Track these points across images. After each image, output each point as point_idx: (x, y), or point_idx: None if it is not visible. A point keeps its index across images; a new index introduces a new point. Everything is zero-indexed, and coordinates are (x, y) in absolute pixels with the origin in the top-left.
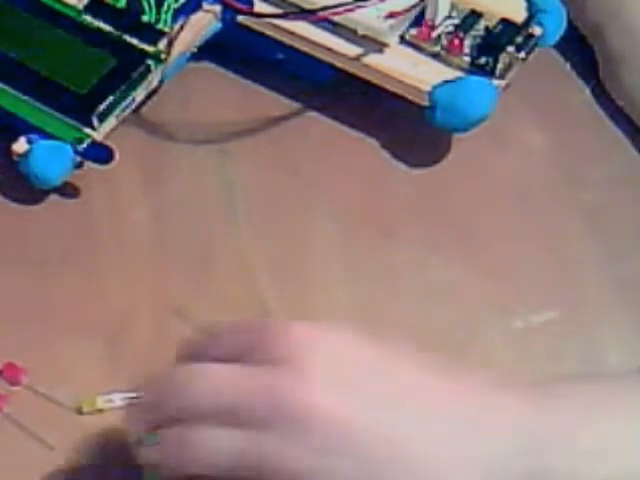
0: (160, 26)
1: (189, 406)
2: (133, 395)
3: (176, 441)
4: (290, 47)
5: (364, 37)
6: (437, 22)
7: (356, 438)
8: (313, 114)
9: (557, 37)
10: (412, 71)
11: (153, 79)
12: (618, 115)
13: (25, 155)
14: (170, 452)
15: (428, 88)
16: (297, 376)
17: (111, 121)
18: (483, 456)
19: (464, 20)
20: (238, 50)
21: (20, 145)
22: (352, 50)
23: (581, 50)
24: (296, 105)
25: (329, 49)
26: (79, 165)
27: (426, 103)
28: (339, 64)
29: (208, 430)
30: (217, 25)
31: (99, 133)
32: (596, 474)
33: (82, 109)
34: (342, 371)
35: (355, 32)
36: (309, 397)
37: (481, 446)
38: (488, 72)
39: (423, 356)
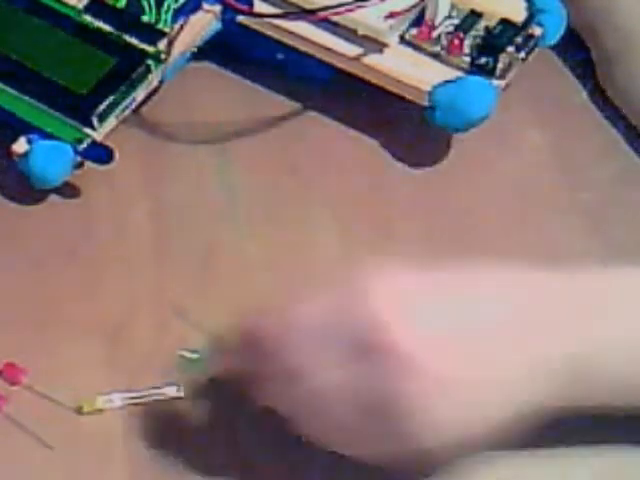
0: (160, 26)
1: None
2: (133, 395)
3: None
4: (290, 47)
5: (364, 37)
6: (437, 22)
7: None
8: (313, 114)
9: (557, 37)
10: (412, 71)
11: (153, 79)
12: (618, 115)
13: (25, 155)
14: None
15: (428, 88)
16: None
17: (111, 121)
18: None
19: (464, 20)
20: (238, 50)
21: (20, 145)
22: (352, 50)
23: (581, 50)
24: (296, 105)
25: (329, 49)
26: (79, 165)
27: (426, 103)
28: (339, 64)
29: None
30: (217, 25)
31: (99, 133)
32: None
33: (82, 109)
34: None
35: (355, 32)
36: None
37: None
38: (488, 72)
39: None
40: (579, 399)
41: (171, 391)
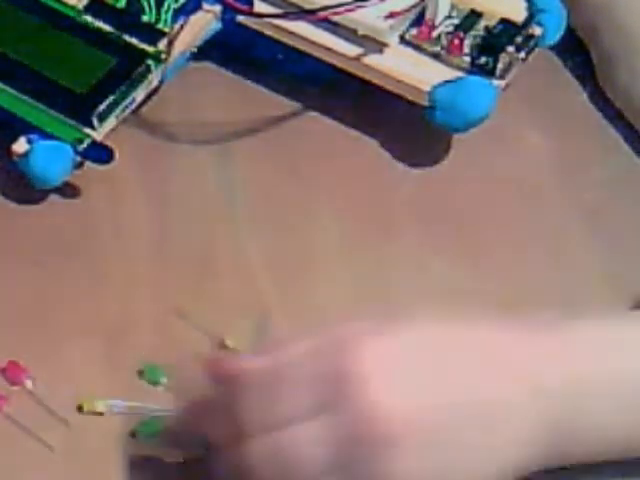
0: (160, 26)
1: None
2: (134, 404)
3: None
4: (290, 47)
5: (364, 37)
6: (437, 22)
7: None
8: (313, 114)
9: (557, 37)
10: (412, 71)
11: (153, 79)
12: (617, 115)
13: (25, 155)
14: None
15: (428, 88)
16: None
17: (111, 121)
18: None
19: (464, 20)
20: (238, 50)
21: (20, 145)
22: (352, 50)
23: (581, 50)
24: (296, 105)
25: (329, 49)
26: (79, 165)
27: (426, 103)
28: (339, 64)
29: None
30: (217, 25)
31: (99, 133)
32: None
33: (82, 109)
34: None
35: (355, 32)
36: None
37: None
38: (488, 72)
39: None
40: (565, 458)
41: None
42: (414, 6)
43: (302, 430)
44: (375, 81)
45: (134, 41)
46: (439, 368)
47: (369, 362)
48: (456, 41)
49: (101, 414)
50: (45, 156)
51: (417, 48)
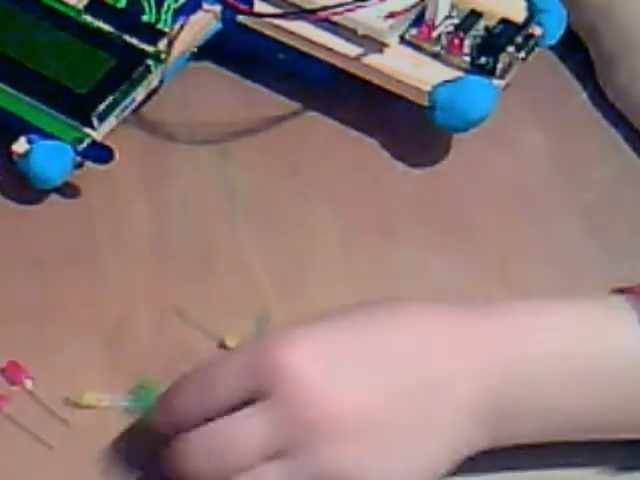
0: (160, 26)
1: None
2: (132, 398)
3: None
4: (290, 47)
5: (364, 37)
6: (437, 22)
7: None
8: (313, 114)
9: (557, 37)
10: (412, 71)
11: (153, 79)
12: (618, 115)
13: (25, 155)
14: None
15: (428, 88)
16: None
17: (111, 121)
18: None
19: (464, 20)
20: (238, 50)
21: (20, 145)
22: (352, 50)
23: (581, 50)
24: (296, 105)
25: (329, 49)
26: (79, 165)
27: (426, 103)
28: (339, 64)
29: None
30: (217, 25)
31: (99, 133)
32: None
33: (82, 109)
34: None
35: (355, 32)
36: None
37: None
38: (488, 72)
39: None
40: (514, 435)
41: None
42: (414, 6)
43: (237, 417)
44: (375, 81)
45: (134, 41)
46: (375, 351)
47: (304, 348)
48: (456, 41)
49: (101, 411)
50: (45, 156)
51: (417, 48)
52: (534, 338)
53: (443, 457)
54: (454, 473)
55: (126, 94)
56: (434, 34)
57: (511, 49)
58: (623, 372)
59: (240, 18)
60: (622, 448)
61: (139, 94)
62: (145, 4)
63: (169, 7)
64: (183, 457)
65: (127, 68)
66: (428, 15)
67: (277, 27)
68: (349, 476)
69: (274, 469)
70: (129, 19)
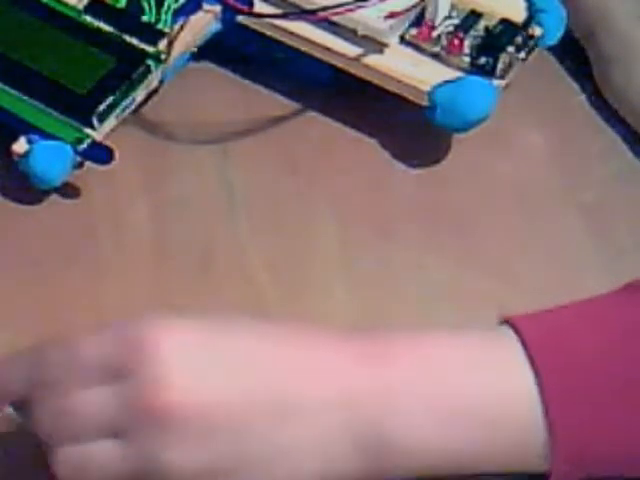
0: (160, 26)
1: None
2: None
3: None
4: (290, 47)
5: (364, 37)
6: (437, 22)
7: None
8: (313, 114)
9: (557, 37)
10: (412, 71)
11: (153, 79)
12: (617, 116)
13: (25, 155)
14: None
15: (428, 88)
16: (149, 381)
17: (111, 121)
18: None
19: (464, 20)
20: (238, 50)
21: (20, 145)
22: (352, 50)
23: (581, 50)
24: (296, 105)
25: (329, 49)
26: (79, 165)
27: (426, 103)
28: (339, 64)
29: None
30: (217, 25)
31: (99, 133)
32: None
33: (82, 109)
34: (189, 361)
35: (355, 32)
36: (166, 396)
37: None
38: (488, 72)
39: (262, 326)
40: (386, 469)
41: None
42: (414, 6)
43: (90, 388)
44: (375, 81)
45: (134, 41)
46: (242, 356)
47: (173, 335)
48: (456, 41)
49: None
50: (45, 156)
51: (417, 48)
52: (406, 372)
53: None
54: None
55: (126, 94)
56: (434, 34)
57: (511, 49)
58: (496, 415)
59: (240, 18)
60: None
61: (139, 94)
62: (145, 4)
63: (169, 7)
64: (37, 415)
65: (127, 68)
66: (428, 15)
67: (277, 27)
68: (174, 474)
69: (108, 446)
70: (129, 19)
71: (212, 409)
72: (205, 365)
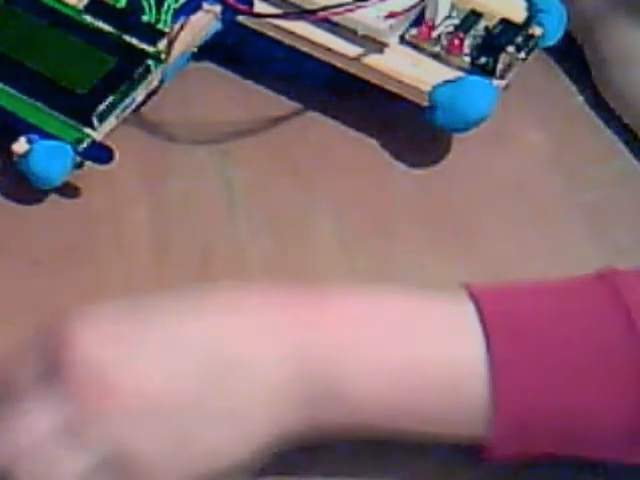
0: (160, 26)
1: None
2: None
3: None
4: (290, 47)
5: (364, 37)
6: (437, 22)
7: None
8: (313, 114)
9: (557, 37)
10: (412, 71)
11: (153, 79)
12: (617, 116)
13: (25, 155)
14: None
15: (428, 88)
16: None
17: (111, 121)
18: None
19: (464, 20)
20: (238, 50)
21: (20, 145)
22: (352, 50)
23: (581, 50)
24: (296, 105)
25: (329, 49)
26: (79, 165)
27: (426, 103)
28: (339, 64)
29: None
30: (217, 25)
31: (99, 133)
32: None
33: (82, 109)
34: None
35: (355, 32)
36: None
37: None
38: (488, 72)
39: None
40: (333, 425)
41: None
42: (414, 6)
43: (25, 401)
44: (375, 81)
45: (134, 41)
46: (176, 330)
47: (93, 327)
48: (456, 41)
49: None
50: (45, 156)
51: (417, 48)
52: (352, 327)
53: (244, 442)
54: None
55: (126, 94)
56: (434, 34)
57: (511, 49)
58: (444, 380)
59: (240, 18)
60: None
61: (139, 94)
62: (145, 4)
63: (169, 7)
64: None
65: (127, 68)
66: (428, 15)
67: (277, 27)
68: (130, 456)
69: (60, 450)
70: (129, 19)
71: (154, 394)
72: (127, 350)
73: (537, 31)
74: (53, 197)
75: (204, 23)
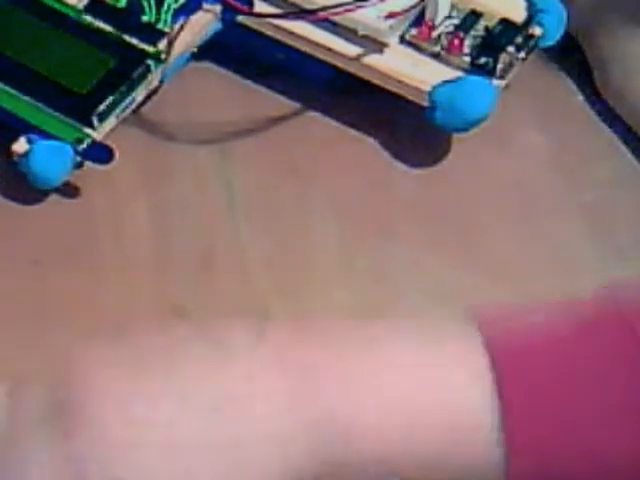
0: (160, 26)
1: None
2: None
3: None
4: (290, 47)
5: (364, 37)
6: (437, 22)
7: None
8: (313, 114)
9: (557, 37)
10: (412, 71)
11: (153, 79)
12: (617, 115)
13: (25, 155)
14: None
15: (428, 88)
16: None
17: (111, 121)
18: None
19: (464, 20)
20: (238, 50)
21: (20, 145)
22: (352, 50)
23: (580, 50)
24: (296, 105)
25: (329, 49)
26: (79, 165)
27: (426, 103)
28: (339, 64)
29: None
30: (217, 25)
31: (99, 133)
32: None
33: (82, 109)
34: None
35: (355, 32)
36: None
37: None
38: (488, 72)
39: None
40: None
41: None
42: (414, 6)
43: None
44: (375, 81)
45: (134, 41)
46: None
47: (101, 371)
48: (456, 41)
49: None
50: (45, 156)
51: (417, 48)
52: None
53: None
54: None
55: (126, 94)
56: (434, 34)
57: (511, 49)
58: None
59: (240, 18)
60: None
61: (139, 94)
62: (145, 4)
63: (169, 7)
64: None
65: (127, 68)
66: (428, 15)
67: (277, 27)
68: None
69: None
70: (129, 19)
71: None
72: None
73: (537, 31)
74: (53, 197)
75: (204, 23)
